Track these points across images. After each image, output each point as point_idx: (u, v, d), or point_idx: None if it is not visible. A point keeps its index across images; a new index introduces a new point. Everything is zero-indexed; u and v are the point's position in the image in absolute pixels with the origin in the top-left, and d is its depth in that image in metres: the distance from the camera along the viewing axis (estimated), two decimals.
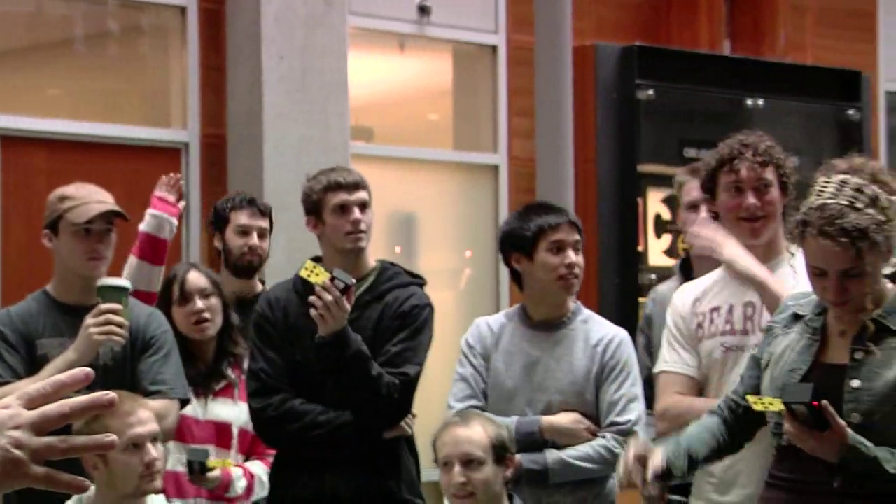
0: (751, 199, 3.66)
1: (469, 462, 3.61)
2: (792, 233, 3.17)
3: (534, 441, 3.98)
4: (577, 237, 4.06)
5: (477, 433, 3.66)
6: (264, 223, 4.92)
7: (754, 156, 3.67)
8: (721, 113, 7.64)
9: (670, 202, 7.16)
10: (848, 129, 8.05)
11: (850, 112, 8.10)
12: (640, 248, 7.40)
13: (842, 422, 3.01)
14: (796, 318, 3.26)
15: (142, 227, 4.71)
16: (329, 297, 3.91)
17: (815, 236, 3.07)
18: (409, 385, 4.07)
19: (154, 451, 3.55)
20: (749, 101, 7.76)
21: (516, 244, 4.09)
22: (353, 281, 3.98)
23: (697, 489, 3.74)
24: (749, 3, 8.19)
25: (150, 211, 4.73)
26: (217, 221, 4.97)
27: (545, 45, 6.11)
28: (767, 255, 3.73)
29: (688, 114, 7.61)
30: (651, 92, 7.39)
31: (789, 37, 8.17)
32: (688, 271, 4.64)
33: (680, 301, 3.86)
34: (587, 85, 7.32)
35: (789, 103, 7.92)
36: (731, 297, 3.73)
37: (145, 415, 3.58)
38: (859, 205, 3.05)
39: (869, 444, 3.02)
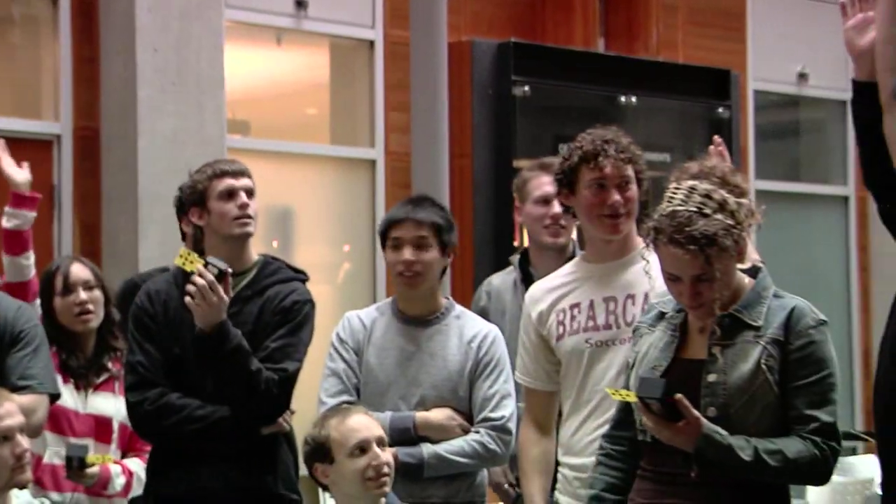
0: (615, 196, 3.69)
1: (382, 443, 3.64)
2: (645, 239, 3.23)
3: (408, 437, 4.01)
4: (420, 234, 4.05)
5: (371, 419, 3.71)
6: None
7: (617, 152, 3.70)
8: (595, 110, 7.74)
9: None
10: (718, 126, 8.20)
11: (720, 110, 8.26)
12: (515, 243, 7.47)
13: (695, 412, 3.07)
14: (661, 316, 3.33)
15: (4, 223, 4.66)
16: (202, 282, 3.90)
17: (665, 244, 3.13)
18: (288, 381, 4.06)
19: (24, 441, 3.51)
20: (622, 98, 7.88)
21: (381, 240, 4.15)
22: (228, 267, 3.96)
23: (564, 485, 3.78)
24: (623, 2, 8.32)
25: (7, 209, 4.66)
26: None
27: (420, 40, 6.14)
28: (623, 250, 3.77)
29: (563, 110, 7.70)
30: (526, 88, 7.47)
31: (662, 35, 8.31)
32: (525, 265, 4.70)
33: (530, 302, 3.86)
34: (463, 80, 7.37)
35: (661, 101, 8.06)
36: (591, 293, 3.74)
37: (12, 407, 3.54)
38: (708, 211, 3.11)
39: (724, 432, 3.08)
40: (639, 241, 3.64)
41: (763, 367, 3.13)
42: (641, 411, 3.13)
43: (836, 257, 9.29)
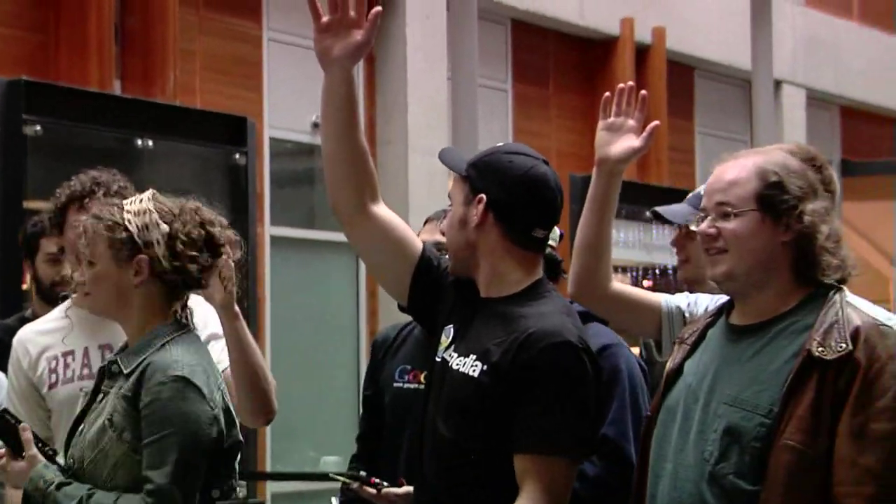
0: None
1: None
2: None
3: None
4: None
5: None
6: None
7: (106, 195, 3.65)
8: (112, 152, 7.63)
9: None
10: (235, 172, 8.30)
11: (237, 156, 8.35)
12: (24, 286, 7.24)
13: (35, 450, 3.09)
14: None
15: None
16: None
17: None
18: None
19: None
20: (139, 142, 7.81)
21: None
22: None
23: None
24: (139, 45, 8.26)
25: None
26: (26, 248, 4.45)
27: None
28: None
29: (78, 151, 7.54)
30: (38, 128, 7.26)
31: (179, 80, 8.31)
32: None
33: (19, 345, 3.70)
34: None
35: (179, 145, 8.05)
36: (86, 340, 3.65)
37: None
38: None
39: (51, 476, 3.07)
40: None
41: (108, 422, 3.08)
42: None
43: (347, 301, 9.57)
